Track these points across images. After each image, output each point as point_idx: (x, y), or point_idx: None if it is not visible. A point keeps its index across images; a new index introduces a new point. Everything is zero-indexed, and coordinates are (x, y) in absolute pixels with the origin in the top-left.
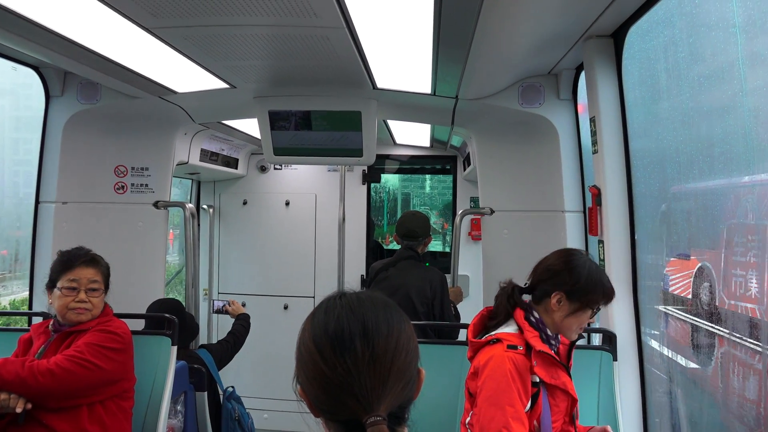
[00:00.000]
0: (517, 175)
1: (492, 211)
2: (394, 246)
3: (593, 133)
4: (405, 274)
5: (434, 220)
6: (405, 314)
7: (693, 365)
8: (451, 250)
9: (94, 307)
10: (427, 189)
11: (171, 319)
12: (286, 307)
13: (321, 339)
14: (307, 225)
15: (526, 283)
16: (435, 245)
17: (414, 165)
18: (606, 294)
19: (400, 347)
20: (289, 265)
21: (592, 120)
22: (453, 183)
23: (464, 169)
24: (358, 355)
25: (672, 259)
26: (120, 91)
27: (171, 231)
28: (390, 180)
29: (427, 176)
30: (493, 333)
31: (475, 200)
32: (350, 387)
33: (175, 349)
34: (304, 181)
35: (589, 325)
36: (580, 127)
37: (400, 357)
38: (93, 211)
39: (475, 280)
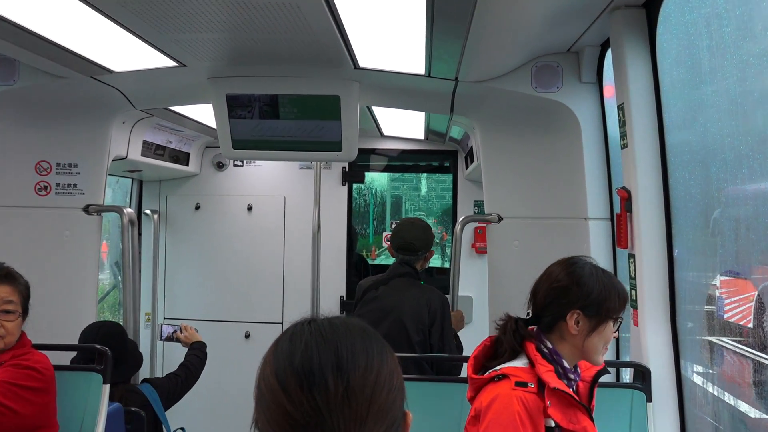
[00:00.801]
0: (530, 174)
1: (500, 218)
2: (383, 260)
3: (622, 124)
4: (398, 294)
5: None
6: (387, 344)
7: (757, 413)
8: (450, 265)
9: (8, 333)
10: (423, 191)
11: (103, 351)
12: (247, 336)
13: (285, 373)
14: (274, 234)
15: (528, 314)
16: (432, 260)
17: (405, 162)
18: (621, 298)
19: (381, 382)
20: (252, 284)
21: (621, 108)
22: (453, 184)
23: (466, 167)
24: (329, 391)
25: (726, 278)
26: (43, 69)
27: (104, 242)
28: (376, 180)
29: (422, 175)
30: (498, 368)
31: (479, 205)
32: (320, 430)
33: (107, 388)
34: (270, 181)
35: (616, 345)
36: (606, 117)
37: (381, 394)
38: (8, 216)
39: (480, 303)
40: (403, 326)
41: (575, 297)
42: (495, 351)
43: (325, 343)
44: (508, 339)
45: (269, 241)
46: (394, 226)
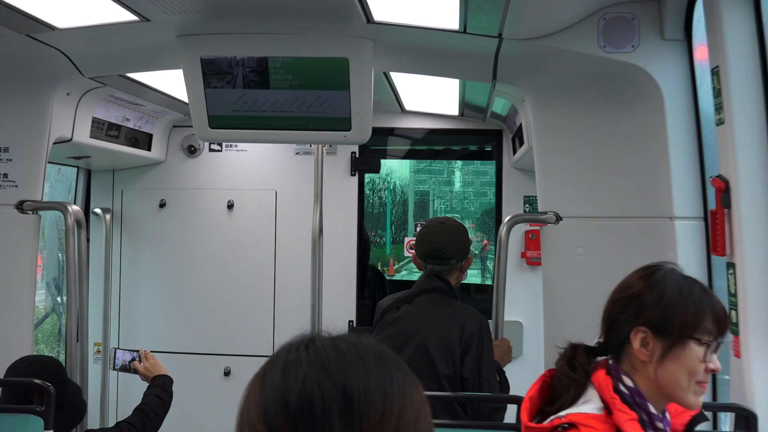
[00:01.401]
0: (598, 160)
1: (558, 218)
2: (405, 276)
3: (717, 93)
4: (423, 314)
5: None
6: (412, 374)
7: None
8: (493, 281)
9: None
10: (456, 185)
11: (44, 387)
12: (227, 373)
13: (276, 416)
14: (262, 241)
15: (597, 342)
16: (470, 275)
17: (434, 146)
18: (716, 312)
19: (405, 430)
20: (234, 306)
21: (715, 72)
22: (496, 174)
23: (513, 152)
24: None
25: None
26: None
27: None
28: (396, 170)
29: (456, 164)
30: (563, 414)
31: (531, 201)
32: None
33: None
34: (257, 171)
35: (713, 383)
36: (696, 85)
37: None
38: None
39: (533, 330)
40: (428, 355)
41: (642, 306)
42: (556, 390)
43: (329, 375)
44: (568, 374)
45: (256, 249)
46: (419, 229)
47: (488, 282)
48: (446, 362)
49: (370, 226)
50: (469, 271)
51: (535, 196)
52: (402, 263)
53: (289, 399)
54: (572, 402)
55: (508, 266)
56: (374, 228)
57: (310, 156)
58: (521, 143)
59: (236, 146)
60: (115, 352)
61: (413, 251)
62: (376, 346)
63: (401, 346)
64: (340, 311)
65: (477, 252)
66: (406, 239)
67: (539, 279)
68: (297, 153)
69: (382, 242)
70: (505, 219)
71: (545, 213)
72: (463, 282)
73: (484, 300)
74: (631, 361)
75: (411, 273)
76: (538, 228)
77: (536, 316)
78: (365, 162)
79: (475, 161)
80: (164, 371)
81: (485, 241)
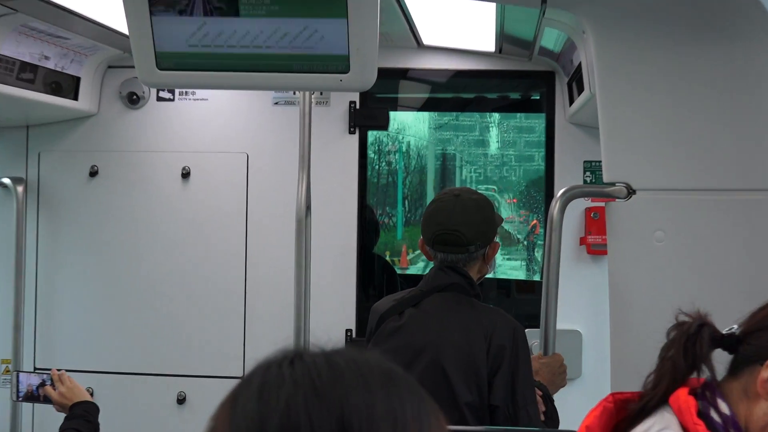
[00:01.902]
0: (685, 114)
1: (630, 192)
2: (422, 269)
3: None
4: (436, 322)
5: (508, 214)
6: (429, 399)
7: None
8: (541, 276)
9: None
10: (493, 145)
11: None
12: (181, 400)
13: None
14: (228, 222)
15: (732, 330)
16: (511, 268)
17: (462, 93)
18: None
19: None
20: (191, 310)
21: None
22: (547, 132)
23: (570, 102)
24: None
25: None
26: None
27: None
28: (411, 125)
29: (492, 118)
30: None
31: (594, 168)
32: None
33: None
34: (222, 127)
35: None
36: None
37: None
38: None
39: (595, 342)
40: (444, 376)
41: None
42: (639, 409)
43: (321, 399)
44: (677, 355)
45: (220, 233)
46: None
47: (536, 278)
48: (468, 385)
49: (376, 201)
50: (510, 262)
51: (599, 162)
52: (418, 252)
53: (267, 428)
54: (652, 409)
55: (562, 256)
56: (381, 205)
57: (293, 107)
58: (580, 90)
59: (194, 94)
60: (17, 377)
61: (423, 236)
62: (384, 363)
63: (407, 365)
64: (334, 318)
65: (523, 237)
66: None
67: (604, 273)
68: (276, 103)
69: (392, 224)
70: (558, 192)
71: (613, 184)
72: (500, 277)
73: (529, 302)
74: (747, 386)
75: (430, 265)
76: (602, 204)
77: (600, 324)
78: (369, 115)
79: (518, 114)
80: (86, 397)
81: (534, 222)
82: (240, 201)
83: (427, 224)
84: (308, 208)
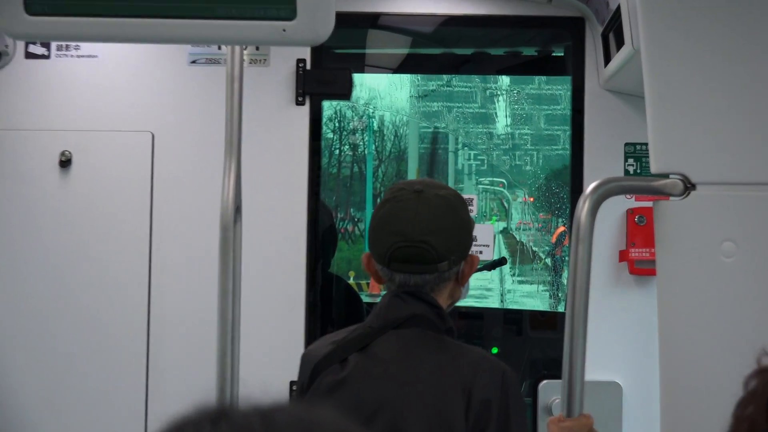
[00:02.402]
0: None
1: (688, 186)
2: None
3: None
4: (393, 371)
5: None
6: None
7: None
8: (566, 306)
9: None
10: (500, 123)
11: None
12: None
13: None
14: (125, 225)
15: None
16: (525, 294)
17: (456, 48)
18: None
19: None
20: (71, 348)
21: None
22: (573, 103)
23: (606, 61)
24: None
25: None
26: None
27: None
28: (385, 93)
29: (499, 83)
30: None
31: (638, 154)
32: None
33: None
34: (118, 95)
35: None
36: None
37: None
38: None
39: (639, 397)
40: None
41: None
42: None
43: None
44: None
45: (115, 243)
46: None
47: (561, 308)
48: None
49: (335, 201)
50: (524, 287)
51: (646, 146)
52: None
53: None
54: None
55: (595, 277)
56: (342, 205)
57: (218, 68)
58: (619, 44)
59: (77, 49)
60: None
61: (371, 250)
62: (341, 424)
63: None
64: (274, 364)
65: (543, 252)
66: None
67: (652, 300)
68: (194, 62)
69: (357, 232)
70: (588, 187)
71: (664, 177)
72: (509, 307)
73: (550, 342)
74: None
75: None
76: (650, 204)
77: (647, 373)
78: (324, 79)
79: (535, 78)
80: None
81: (559, 229)
82: (142, 200)
83: (378, 234)
84: (238, 209)
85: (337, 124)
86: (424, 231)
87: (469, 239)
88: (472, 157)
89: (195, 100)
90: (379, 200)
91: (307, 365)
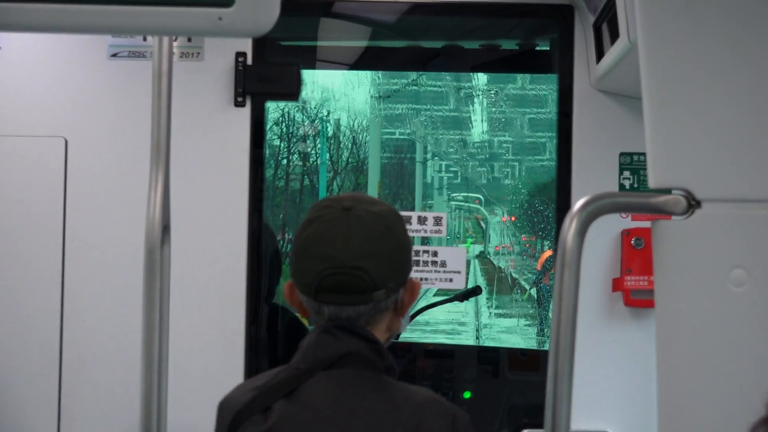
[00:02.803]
0: None
1: (692, 204)
2: None
3: None
4: (325, 420)
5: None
6: None
7: None
8: (551, 341)
9: None
10: (476, 128)
11: None
12: None
13: None
14: (34, 249)
15: None
16: (504, 329)
17: (424, 41)
18: None
19: None
20: None
21: None
22: (560, 105)
23: (598, 56)
24: None
25: None
26: None
27: None
28: (341, 93)
29: (475, 81)
30: None
31: (635, 165)
32: None
33: None
34: (23, 93)
35: None
36: None
37: None
38: None
39: None
40: None
41: None
42: None
43: None
44: None
45: (21, 269)
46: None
47: (545, 347)
48: None
49: (282, 220)
50: (504, 321)
51: (644, 156)
52: None
53: None
54: None
55: (586, 308)
56: (290, 225)
57: (143, 63)
58: (614, 37)
59: None
60: None
61: (293, 280)
62: None
63: None
64: (207, 407)
65: (528, 281)
66: None
67: (650, 336)
68: (114, 56)
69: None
70: (577, 204)
71: (664, 192)
72: (484, 344)
73: (531, 385)
74: None
75: None
76: (648, 225)
77: (643, 421)
78: (268, 76)
79: (517, 76)
80: None
81: (545, 254)
82: (53, 218)
83: (302, 260)
84: (165, 228)
85: (284, 129)
86: (357, 255)
87: (409, 262)
88: (443, 168)
89: (115, 100)
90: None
91: (226, 416)
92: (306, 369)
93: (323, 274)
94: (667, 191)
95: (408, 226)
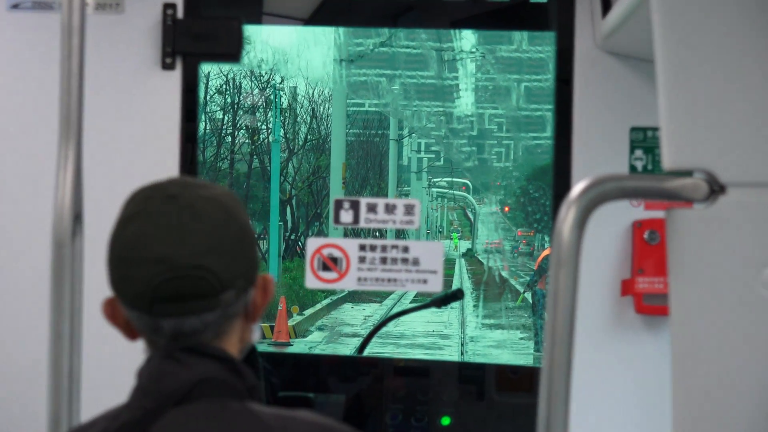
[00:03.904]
0: None
1: (715, 189)
2: (324, 343)
3: None
4: None
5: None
6: None
7: None
8: (544, 356)
9: None
10: (463, 99)
11: None
12: None
13: None
14: None
15: None
16: (495, 343)
17: None
18: None
19: None
20: None
21: None
22: (558, 69)
23: (603, 12)
24: None
25: None
26: None
27: None
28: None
29: (460, 40)
30: None
31: (648, 141)
32: None
33: None
34: None
35: None
36: None
37: None
38: None
39: None
40: None
41: None
42: None
43: None
44: None
45: None
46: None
47: (535, 363)
48: None
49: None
50: (495, 333)
51: (655, 131)
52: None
53: None
54: None
55: (587, 316)
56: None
57: (50, 15)
58: None
59: None
60: None
61: (115, 293)
62: None
63: None
64: None
65: (522, 285)
66: (314, 242)
67: (667, 350)
68: (15, 6)
69: (258, 253)
70: (575, 189)
71: (681, 175)
72: (470, 360)
73: (522, 408)
74: None
75: (336, 342)
76: (661, 216)
77: None
78: (202, 32)
79: (512, 35)
80: None
81: (546, 251)
82: None
83: (125, 267)
84: (77, 218)
85: (224, 100)
86: (196, 252)
87: (256, 254)
88: (422, 147)
89: (16, 61)
90: (292, 209)
91: None
92: (153, 408)
93: (158, 279)
94: (686, 173)
95: (372, 216)
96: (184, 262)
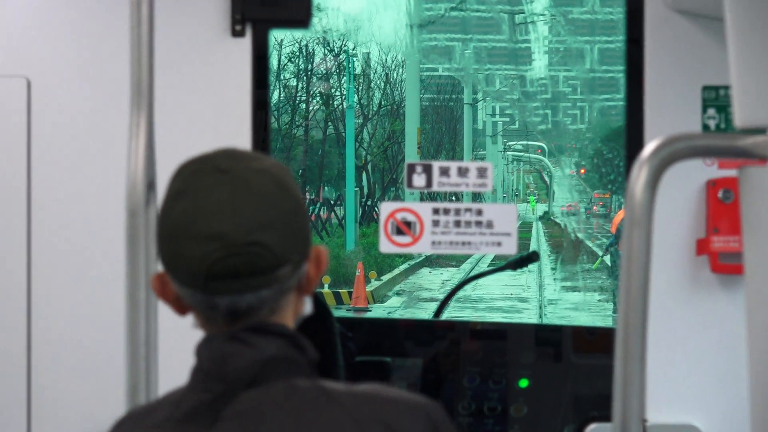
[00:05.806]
0: None
1: None
2: (405, 307)
3: None
4: None
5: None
6: None
7: None
8: (619, 317)
9: None
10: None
11: None
12: None
13: None
14: None
15: None
16: (570, 306)
17: None
18: None
19: None
20: None
21: None
22: (629, 30)
23: None
24: None
25: None
26: None
27: None
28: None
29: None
30: None
31: (721, 100)
32: None
33: None
34: None
35: None
36: None
37: None
38: None
39: None
40: None
41: None
42: None
43: None
44: None
45: None
46: (167, 194)
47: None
48: None
49: (300, 175)
50: (570, 295)
51: (728, 89)
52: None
53: None
54: None
55: (662, 275)
56: (311, 184)
57: None
58: None
59: None
60: None
61: (166, 270)
62: None
63: None
64: None
65: (601, 248)
66: (390, 206)
67: (741, 310)
68: None
69: (335, 219)
70: (647, 148)
71: (754, 133)
72: (544, 322)
73: (600, 370)
74: None
75: (414, 307)
76: (735, 174)
77: (735, 412)
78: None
79: None
80: None
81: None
82: (15, 173)
83: (177, 243)
84: (150, 186)
85: (296, 67)
86: (251, 228)
87: (308, 226)
88: (497, 112)
89: (87, 32)
90: (367, 177)
91: None
92: (222, 392)
93: (213, 257)
94: (759, 131)
95: (445, 179)
96: (238, 238)
